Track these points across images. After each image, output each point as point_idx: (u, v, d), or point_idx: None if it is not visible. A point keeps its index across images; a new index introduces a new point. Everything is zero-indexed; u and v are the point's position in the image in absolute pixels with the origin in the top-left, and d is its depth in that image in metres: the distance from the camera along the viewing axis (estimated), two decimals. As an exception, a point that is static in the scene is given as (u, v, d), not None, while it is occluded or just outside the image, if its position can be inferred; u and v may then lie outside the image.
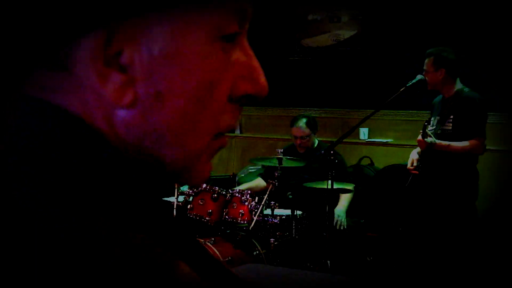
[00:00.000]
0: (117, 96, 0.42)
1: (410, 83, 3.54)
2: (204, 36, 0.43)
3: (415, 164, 3.73)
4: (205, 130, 0.46)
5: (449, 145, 3.46)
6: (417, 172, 3.69)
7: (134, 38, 0.41)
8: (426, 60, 3.59)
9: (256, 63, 0.48)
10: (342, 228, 4.05)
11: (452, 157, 3.50)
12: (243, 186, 4.30)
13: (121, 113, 0.43)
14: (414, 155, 3.80)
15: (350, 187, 3.93)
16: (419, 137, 3.51)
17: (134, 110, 0.43)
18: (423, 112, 5.15)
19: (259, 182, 4.36)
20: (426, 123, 3.53)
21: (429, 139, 3.46)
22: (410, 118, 5.23)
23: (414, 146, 5.14)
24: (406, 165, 3.89)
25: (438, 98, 3.78)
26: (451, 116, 3.56)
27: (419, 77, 3.55)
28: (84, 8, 0.39)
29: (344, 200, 4.12)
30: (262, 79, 0.48)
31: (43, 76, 0.42)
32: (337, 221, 4.03)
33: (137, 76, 0.42)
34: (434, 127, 3.67)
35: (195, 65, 0.43)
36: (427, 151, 3.53)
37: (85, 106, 0.42)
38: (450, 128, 3.55)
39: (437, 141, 3.47)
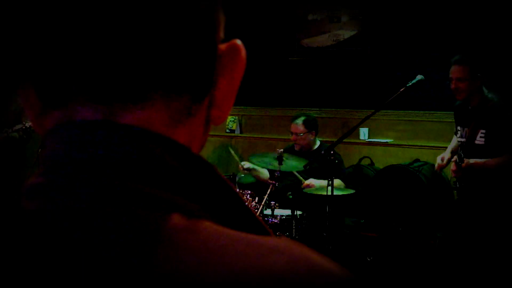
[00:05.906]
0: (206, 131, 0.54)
1: (410, 83, 3.52)
2: None
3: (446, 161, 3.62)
4: None
5: (484, 162, 3.33)
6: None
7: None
8: (458, 68, 3.41)
9: None
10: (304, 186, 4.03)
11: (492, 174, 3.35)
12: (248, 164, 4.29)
13: (203, 141, 0.54)
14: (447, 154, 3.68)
15: (341, 184, 4.03)
16: (453, 167, 3.38)
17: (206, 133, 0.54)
18: (423, 112, 5.16)
19: (265, 171, 4.36)
20: (460, 151, 3.38)
21: (465, 162, 3.32)
22: (410, 118, 5.23)
23: (414, 146, 5.18)
24: (406, 165, 3.87)
25: (459, 104, 3.60)
26: (483, 131, 3.39)
27: (419, 77, 3.53)
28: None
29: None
30: None
31: (172, 120, 0.49)
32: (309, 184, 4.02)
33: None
34: (464, 139, 3.52)
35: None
36: (464, 174, 3.37)
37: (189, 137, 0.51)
38: (483, 142, 3.39)
39: (471, 161, 3.33)
